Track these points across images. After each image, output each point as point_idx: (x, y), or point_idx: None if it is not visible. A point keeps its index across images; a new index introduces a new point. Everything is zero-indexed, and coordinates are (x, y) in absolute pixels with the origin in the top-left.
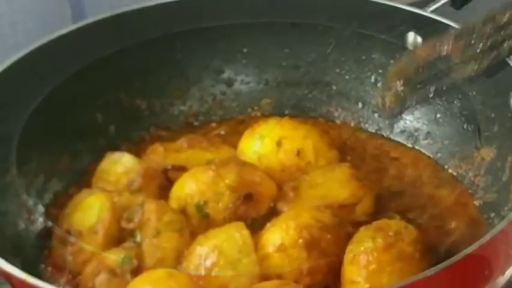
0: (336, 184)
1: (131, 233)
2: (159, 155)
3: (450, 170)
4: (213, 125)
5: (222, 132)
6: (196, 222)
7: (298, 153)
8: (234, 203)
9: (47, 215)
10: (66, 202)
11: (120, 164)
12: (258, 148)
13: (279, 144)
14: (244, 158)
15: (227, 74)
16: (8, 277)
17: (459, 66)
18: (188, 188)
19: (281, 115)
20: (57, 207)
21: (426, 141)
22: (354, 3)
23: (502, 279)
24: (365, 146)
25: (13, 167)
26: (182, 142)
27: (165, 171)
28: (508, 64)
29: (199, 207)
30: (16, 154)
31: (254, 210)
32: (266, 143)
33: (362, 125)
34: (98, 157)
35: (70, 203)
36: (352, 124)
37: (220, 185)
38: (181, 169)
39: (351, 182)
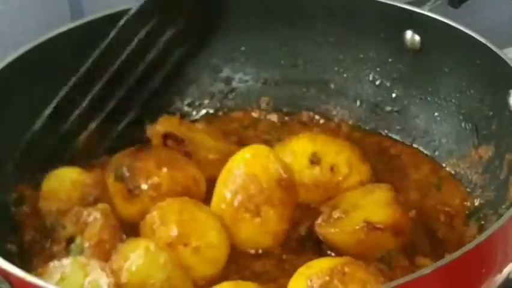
0: (377, 206)
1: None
2: (172, 123)
3: (448, 169)
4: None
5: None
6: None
7: (332, 168)
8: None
9: None
10: None
11: (67, 180)
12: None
13: (312, 160)
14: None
15: (225, 72)
16: (7, 276)
17: None
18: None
19: (279, 113)
20: None
21: (424, 140)
22: (352, 2)
23: (500, 277)
24: (363, 144)
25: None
26: (198, 124)
27: (165, 137)
28: None
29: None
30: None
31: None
32: (299, 159)
33: (360, 123)
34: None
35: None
36: (350, 122)
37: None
38: (180, 142)
39: (392, 206)
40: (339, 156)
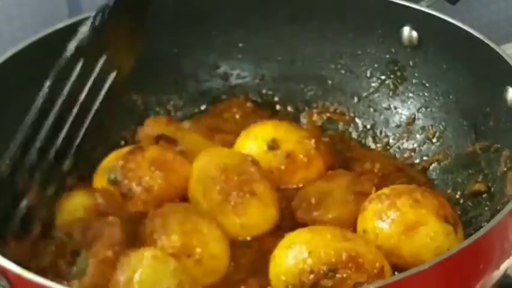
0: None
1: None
2: (159, 124)
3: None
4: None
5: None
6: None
7: (288, 156)
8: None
9: None
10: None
11: (81, 209)
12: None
13: (270, 145)
14: None
15: (223, 68)
16: (4, 272)
17: None
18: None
19: (277, 110)
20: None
21: (421, 136)
22: None
23: (497, 273)
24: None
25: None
26: (185, 123)
27: (157, 138)
28: None
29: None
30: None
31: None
32: (259, 143)
33: (358, 119)
34: (92, 150)
35: None
36: (347, 118)
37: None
38: (172, 142)
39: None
40: (299, 145)
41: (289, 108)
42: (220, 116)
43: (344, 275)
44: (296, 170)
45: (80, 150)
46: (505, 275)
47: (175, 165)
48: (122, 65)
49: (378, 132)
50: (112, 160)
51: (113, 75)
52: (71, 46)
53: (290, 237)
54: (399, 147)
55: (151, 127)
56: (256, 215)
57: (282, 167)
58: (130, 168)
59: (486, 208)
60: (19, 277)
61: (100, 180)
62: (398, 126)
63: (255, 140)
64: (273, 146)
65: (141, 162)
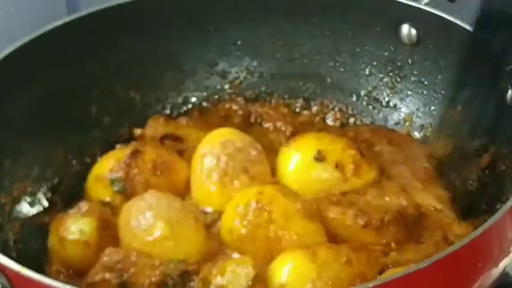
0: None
1: None
2: (160, 124)
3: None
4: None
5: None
6: None
7: (337, 166)
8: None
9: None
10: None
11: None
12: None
13: (316, 157)
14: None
15: (221, 66)
16: (3, 269)
17: None
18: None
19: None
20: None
21: (420, 134)
22: None
23: (496, 271)
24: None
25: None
26: (181, 120)
27: (162, 139)
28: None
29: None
30: (11, 145)
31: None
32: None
33: (357, 117)
34: (92, 149)
35: None
36: (346, 115)
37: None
38: (178, 139)
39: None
40: (345, 154)
41: (288, 105)
42: (219, 113)
43: None
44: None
45: None
46: (503, 273)
47: (175, 165)
48: None
49: None
50: (108, 164)
51: None
52: None
53: None
54: None
55: (153, 127)
56: None
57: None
58: (134, 174)
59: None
60: (18, 275)
61: (96, 188)
62: (396, 123)
63: (299, 153)
64: (319, 157)
65: (143, 167)
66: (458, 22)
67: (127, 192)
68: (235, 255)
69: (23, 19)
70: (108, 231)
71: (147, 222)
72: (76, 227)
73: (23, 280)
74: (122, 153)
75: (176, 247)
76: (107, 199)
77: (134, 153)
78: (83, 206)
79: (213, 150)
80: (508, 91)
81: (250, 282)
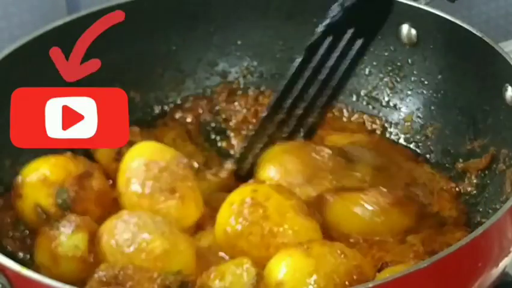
0: None
1: None
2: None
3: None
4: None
5: (214, 125)
6: None
7: None
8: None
9: None
10: None
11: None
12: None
13: None
14: None
15: (221, 66)
16: (3, 269)
17: None
18: None
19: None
20: None
21: (420, 133)
22: None
23: (496, 271)
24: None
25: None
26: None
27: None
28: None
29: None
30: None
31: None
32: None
33: (357, 116)
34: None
35: None
36: (346, 115)
37: None
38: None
39: None
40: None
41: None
42: (219, 113)
43: None
44: None
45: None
46: (503, 273)
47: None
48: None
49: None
50: (60, 173)
51: (359, 42)
52: (323, 24)
53: None
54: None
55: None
56: None
57: None
58: (81, 196)
59: (482, 208)
60: (18, 275)
61: (39, 190)
62: (396, 124)
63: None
64: None
65: (90, 193)
66: (458, 22)
67: (67, 208)
68: (227, 258)
69: (23, 19)
70: (94, 243)
71: (141, 239)
72: (70, 243)
73: (23, 280)
74: (74, 166)
75: (173, 259)
76: (43, 204)
77: (86, 175)
78: (73, 219)
79: (138, 173)
80: (508, 91)
81: (254, 281)
